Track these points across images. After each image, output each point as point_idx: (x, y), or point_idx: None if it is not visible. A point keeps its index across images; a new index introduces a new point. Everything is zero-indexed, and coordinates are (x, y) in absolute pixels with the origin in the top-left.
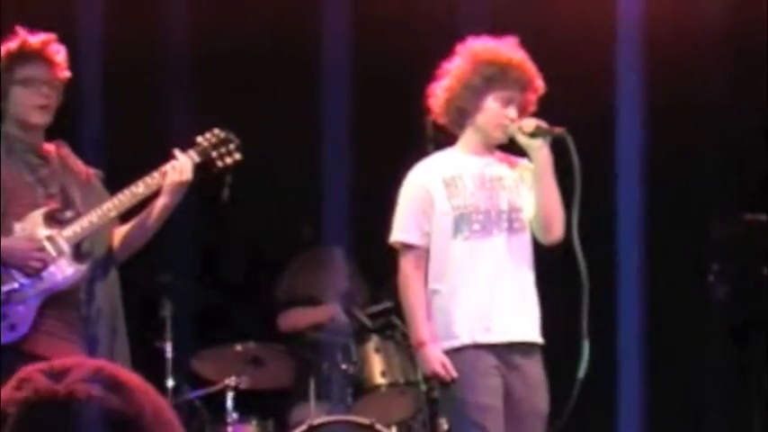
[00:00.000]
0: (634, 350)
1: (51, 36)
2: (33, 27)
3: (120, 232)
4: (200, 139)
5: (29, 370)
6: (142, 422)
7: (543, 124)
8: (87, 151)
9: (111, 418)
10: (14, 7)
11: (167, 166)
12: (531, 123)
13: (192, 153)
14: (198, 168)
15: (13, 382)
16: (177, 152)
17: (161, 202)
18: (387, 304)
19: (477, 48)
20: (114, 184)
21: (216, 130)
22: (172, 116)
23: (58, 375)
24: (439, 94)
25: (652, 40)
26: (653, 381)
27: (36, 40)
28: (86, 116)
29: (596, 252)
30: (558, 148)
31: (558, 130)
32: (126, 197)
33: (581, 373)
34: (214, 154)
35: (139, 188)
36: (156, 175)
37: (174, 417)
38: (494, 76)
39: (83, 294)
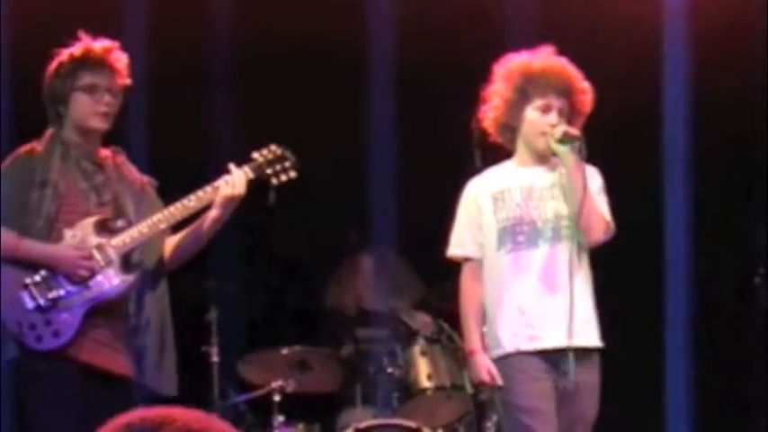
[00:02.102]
0: (681, 356)
1: (114, 43)
2: (78, 29)
3: (170, 243)
4: (255, 154)
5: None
6: None
7: (572, 130)
8: (133, 154)
9: None
10: (59, 9)
11: (220, 181)
12: (559, 129)
13: (247, 169)
14: (251, 183)
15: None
16: (232, 167)
17: (212, 214)
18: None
19: (510, 63)
20: (160, 185)
21: (272, 147)
22: (218, 120)
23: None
24: (488, 115)
25: (699, 38)
26: (700, 386)
27: (100, 46)
28: (133, 119)
29: (643, 256)
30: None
31: (577, 136)
32: (177, 210)
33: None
34: (269, 171)
35: (191, 202)
36: (208, 189)
37: None
38: (526, 87)
39: (132, 305)
